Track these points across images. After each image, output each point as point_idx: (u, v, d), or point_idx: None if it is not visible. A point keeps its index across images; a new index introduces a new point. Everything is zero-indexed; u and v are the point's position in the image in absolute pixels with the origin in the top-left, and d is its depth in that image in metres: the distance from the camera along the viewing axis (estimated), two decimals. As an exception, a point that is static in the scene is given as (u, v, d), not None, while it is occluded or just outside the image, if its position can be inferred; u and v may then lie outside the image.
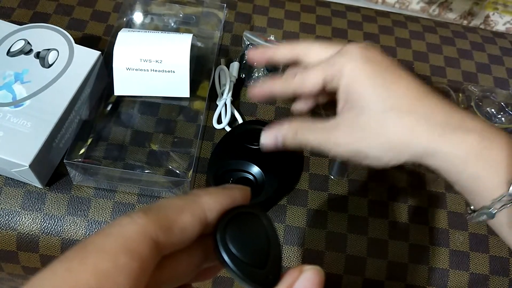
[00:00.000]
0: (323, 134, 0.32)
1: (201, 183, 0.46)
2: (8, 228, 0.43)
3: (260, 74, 0.53)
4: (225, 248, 0.19)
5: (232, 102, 0.50)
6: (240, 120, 0.50)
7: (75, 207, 0.43)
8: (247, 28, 0.58)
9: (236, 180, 0.45)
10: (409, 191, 0.48)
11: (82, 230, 0.43)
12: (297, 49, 0.35)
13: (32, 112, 0.41)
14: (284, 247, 0.44)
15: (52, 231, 0.43)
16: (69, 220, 0.43)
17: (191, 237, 0.19)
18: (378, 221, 0.46)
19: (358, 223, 0.46)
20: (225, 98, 0.50)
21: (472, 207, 0.30)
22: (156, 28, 0.55)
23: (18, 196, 0.43)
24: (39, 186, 0.43)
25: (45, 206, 0.43)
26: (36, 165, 0.40)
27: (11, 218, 0.43)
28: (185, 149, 0.46)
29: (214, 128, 0.49)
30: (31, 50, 0.45)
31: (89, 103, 0.46)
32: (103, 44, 0.53)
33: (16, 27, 0.47)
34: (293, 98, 0.38)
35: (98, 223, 0.43)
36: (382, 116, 0.30)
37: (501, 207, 0.27)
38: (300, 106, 0.38)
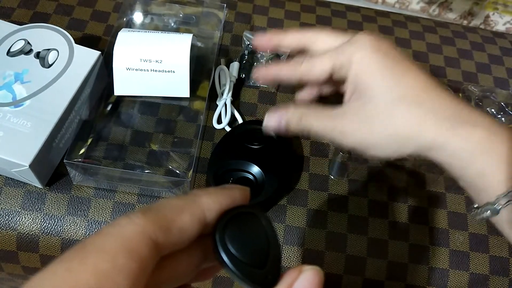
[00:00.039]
0: (329, 121, 0.32)
1: (201, 183, 0.46)
2: (8, 228, 0.43)
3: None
4: (224, 248, 0.19)
5: (232, 102, 0.50)
6: (240, 120, 0.50)
7: (75, 207, 0.44)
8: (247, 28, 0.58)
9: (236, 180, 0.45)
10: (409, 191, 0.48)
11: (82, 230, 0.43)
12: (305, 36, 0.35)
13: (32, 112, 0.41)
14: (284, 247, 0.44)
15: (52, 231, 0.43)
16: (69, 220, 0.43)
17: (190, 237, 0.19)
18: (378, 221, 0.46)
19: (358, 223, 0.46)
20: (225, 98, 0.50)
21: (476, 205, 0.30)
22: (156, 28, 0.55)
23: (18, 196, 0.43)
24: (39, 186, 0.43)
25: (45, 206, 0.43)
26: (36, 165, 0.40)
27: (11, 218, 0.43)
28: (185, 149, 0.46)
29: (214, 128, 0.49)
30: (31, 50, 0.45)
31: (89, 103, 0.46)
32: (103, 44, 0.53)
33: (16, 27, 0.47)
34: (294, 91, 0.37)
35: (98, 223, 0.43)
36: (390, 106, 0.29)
37: (506, 203, 0.27)
38: (304, 95, 0.37)
